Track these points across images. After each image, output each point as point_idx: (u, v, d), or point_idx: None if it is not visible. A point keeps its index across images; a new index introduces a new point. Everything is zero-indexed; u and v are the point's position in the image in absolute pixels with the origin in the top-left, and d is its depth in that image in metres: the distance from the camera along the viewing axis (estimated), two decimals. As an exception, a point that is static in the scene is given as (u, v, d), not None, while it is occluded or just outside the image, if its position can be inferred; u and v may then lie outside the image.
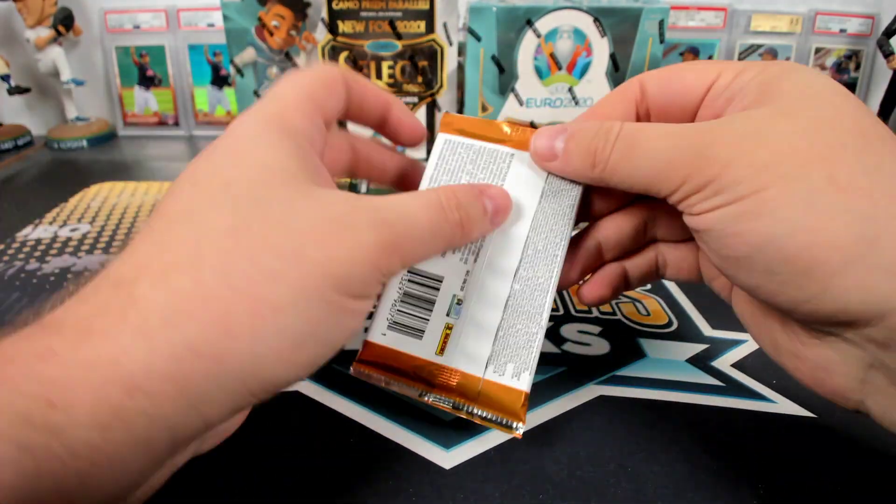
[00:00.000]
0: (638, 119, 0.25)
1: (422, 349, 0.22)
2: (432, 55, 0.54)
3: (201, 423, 0.16)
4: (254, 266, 0.16)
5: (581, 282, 0.26)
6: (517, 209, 0.24)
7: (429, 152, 0.26)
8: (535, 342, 0.22)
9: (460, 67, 0.56)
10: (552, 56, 0.54)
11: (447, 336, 0.23)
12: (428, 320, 0.23)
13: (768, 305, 0.20)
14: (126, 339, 0.15)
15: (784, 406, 0.28)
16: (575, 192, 0.24)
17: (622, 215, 0.26)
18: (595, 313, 0.36)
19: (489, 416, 0.22)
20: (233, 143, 0.19)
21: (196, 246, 0.16)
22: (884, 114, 0.70)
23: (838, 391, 0.19)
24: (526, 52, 0.54)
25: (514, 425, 0.22)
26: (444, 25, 0.53)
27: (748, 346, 0.32)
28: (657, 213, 0.26)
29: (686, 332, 0.34)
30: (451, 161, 0.24)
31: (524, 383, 0.22)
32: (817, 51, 0.72)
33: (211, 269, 0.16)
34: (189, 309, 0.15)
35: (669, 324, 0.35)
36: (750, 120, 0.20)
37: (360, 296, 0.18)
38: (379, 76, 0.54)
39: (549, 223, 0.24)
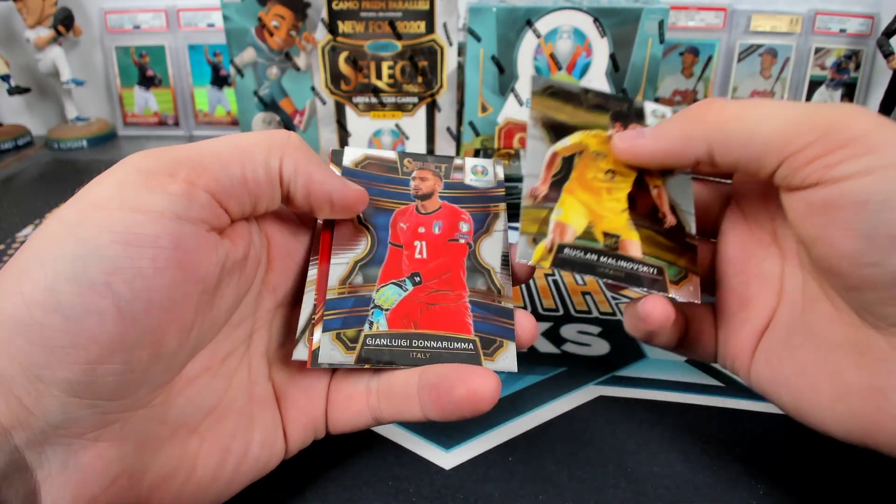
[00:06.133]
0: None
1: None
2: (432, 55, 0.54)
3: None
4: None
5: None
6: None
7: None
8: None
9: (460, 67, 0.56)
10: (552, 56, 0.54)
11: None
12: None
13: None
14: None
15: (784, 406, 0.28)
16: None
17: None
18: (595, 313, 0.36)
19: None
20: None
21: None
22: (884, 114, 0.70)
23: None
24: (526, 52, 0.54)
25: None
26: (444, 25, 0.53)
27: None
28: None
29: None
30: None
31: None
32: (817, 51, 0.72)
33: None
34: None
35: (669, 324, 0.35)
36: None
37: None
38: (379, 76, 0.54)
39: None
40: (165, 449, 0.18)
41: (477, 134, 0.57)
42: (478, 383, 0.20)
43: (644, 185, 0.25)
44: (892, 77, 0.69)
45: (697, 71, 0.73)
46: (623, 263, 0.23)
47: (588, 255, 0.23)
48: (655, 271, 0.23)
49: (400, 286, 0.23)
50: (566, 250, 0.23)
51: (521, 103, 0.56)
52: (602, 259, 0.23)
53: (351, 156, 0.26)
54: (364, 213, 0.25)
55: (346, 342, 0.22)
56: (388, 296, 0.23)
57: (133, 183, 0.17)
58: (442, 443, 0.26)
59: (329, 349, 0.21)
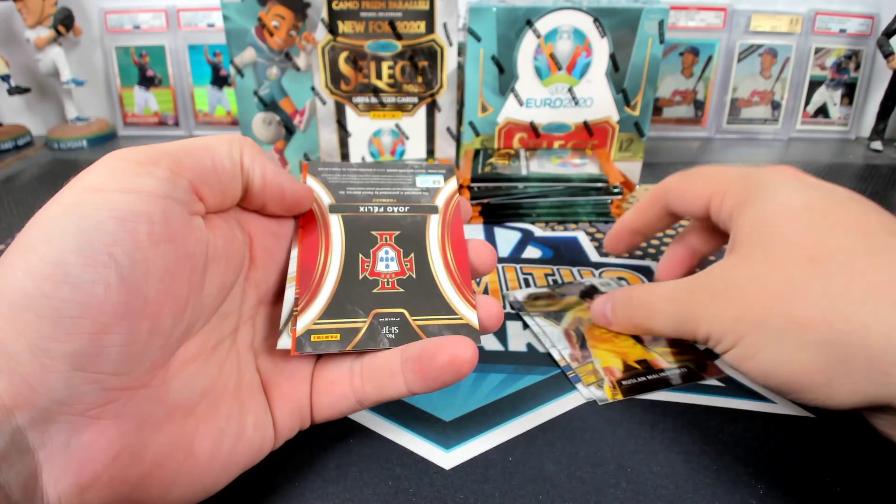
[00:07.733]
0: (668, 216, 0.32)
1: None
2: (432, 55, 0.54)
3: None
4: None
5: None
6: None
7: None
8: None
9: (460, 67, 0.56)
10: (552, 56, 0.54)
11: None
12: None
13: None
14: None
15: (783, 406, 0.28)
16: None
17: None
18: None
19: None
20: None
21: None
22: (884, 114, 0.70)
23: None
24: (526, 52, 0.54)
25: None
26: (444, 25, 0.53)
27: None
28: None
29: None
30: None
31: None
32: (817, 51, 0.72)
33: None
34: None
35: (669, 324, 0.35)
36: (719, 274, 0.25)
37: None
38: (379, 76, 0.54)
39: None
40: (164, 429, 0.19)
41: (477, 134, 0.57)
42: (458, 350, 0.23)
43: None
44: (892, 77, 0.69)
45: (697, 71, 0.73)
46: (666, 374, 0.30)
47: (640, 379, 0.29)
48: (686, 370, 0.30)
49: None
50: (624, 382, 0.29)
51: (521, 103, 0.56)
52: (650, 377, 0.29)
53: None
54: None
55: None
56: None
57: (123, 169, 0.19)
58: (442, 443, 0.26)
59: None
